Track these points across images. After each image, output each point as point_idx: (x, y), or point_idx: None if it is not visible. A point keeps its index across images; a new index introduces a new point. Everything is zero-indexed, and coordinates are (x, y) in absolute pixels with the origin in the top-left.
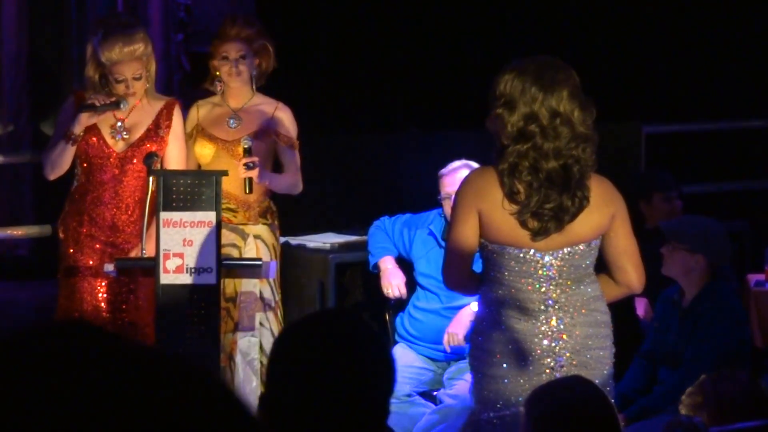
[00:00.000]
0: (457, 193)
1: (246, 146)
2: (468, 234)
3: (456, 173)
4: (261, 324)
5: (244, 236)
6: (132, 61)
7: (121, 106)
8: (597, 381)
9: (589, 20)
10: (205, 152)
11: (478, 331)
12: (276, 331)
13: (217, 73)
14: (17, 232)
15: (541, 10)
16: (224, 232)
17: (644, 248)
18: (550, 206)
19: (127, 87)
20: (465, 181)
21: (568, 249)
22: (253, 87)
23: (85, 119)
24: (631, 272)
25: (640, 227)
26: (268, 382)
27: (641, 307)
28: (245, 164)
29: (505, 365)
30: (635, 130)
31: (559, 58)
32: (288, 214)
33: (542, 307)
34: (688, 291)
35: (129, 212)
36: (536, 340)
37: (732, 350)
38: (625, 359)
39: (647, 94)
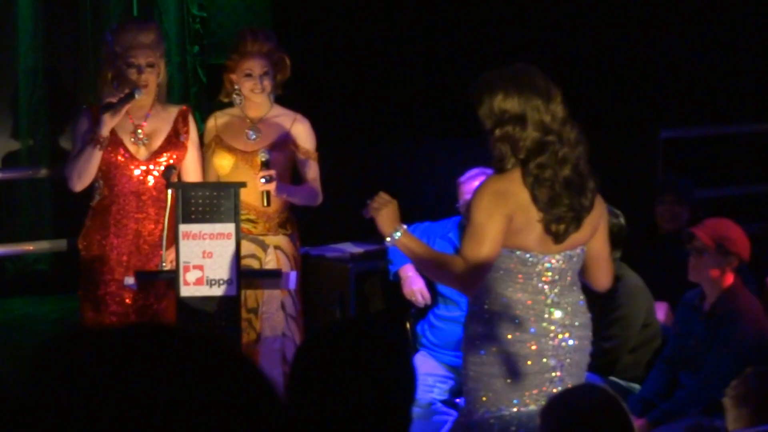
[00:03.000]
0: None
1: (263, 159)
2: (499, 240)
3: (474, 180)
4: (283, 334)
5: (264, 247)
6: (145, 47)
7: (136, 95)
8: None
9: (605, 25)
10: (224, 163)
11: (480, 333)
12: (298, 342)
13: (236, 86)
14: (37, 247)
15: (556, 16)
16: (244, 243)
17: (662, 253)
18: (571, 208)
19: (140, 72)
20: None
21: (569, 252)
22: (272, 99)
23: (108, 120)
24: (606, 275)
25: (653, 233)
26: (289, 392)
27: (662, 312)
28: (262, 177)
29: (510, 366)
30: (652, 135)
31: (575, 63)
32: (307, 224)
33: (546, 309)
34: (711, 295)
35: (154, 221)
36: (542, 341)
37: (753, 353)
38: (647, 364)
39: (664, 98)
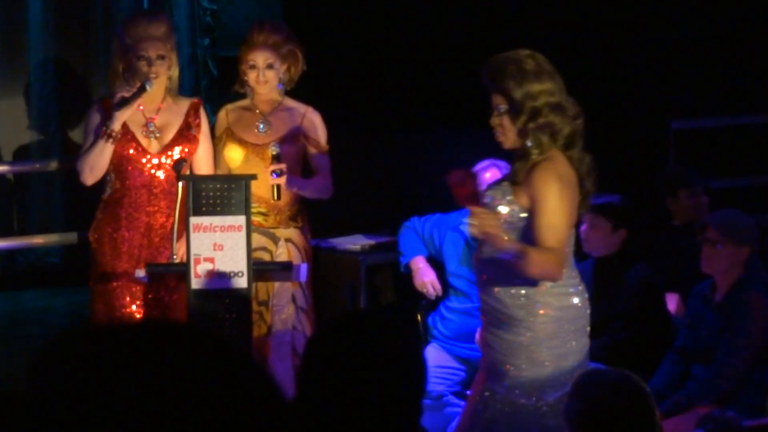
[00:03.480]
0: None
1: (274, 153)
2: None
3: (484, 172)
4: (294, 327)
5: (275, 240)
6: (155, 39)
7: (147, 87)
8: None
9: (616, 15)
10: (235, 156)
11: (555, 318)
12: (309, 334)
13: (246, 78)
14: (47, 240)
15: (565, 6)
16: (255, 235)
17: (673, 244)
18: (592, 187)
19: (150, 64)
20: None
21: None
22: (281, 91)
23: (121, 114)
24: None
25: (667, 224)
26: (299, 384)
27: (673, 303)
28: (273, 171)
29: (577, 345)
30: (663, 126)
31: (587, 53)
32: (317, 216)
33: (582, 283)
34: (723, 286)
35: (166, 215)
36: (588, 312)
37: (765, 344)
38: (657, 355)
39: (676, 89)
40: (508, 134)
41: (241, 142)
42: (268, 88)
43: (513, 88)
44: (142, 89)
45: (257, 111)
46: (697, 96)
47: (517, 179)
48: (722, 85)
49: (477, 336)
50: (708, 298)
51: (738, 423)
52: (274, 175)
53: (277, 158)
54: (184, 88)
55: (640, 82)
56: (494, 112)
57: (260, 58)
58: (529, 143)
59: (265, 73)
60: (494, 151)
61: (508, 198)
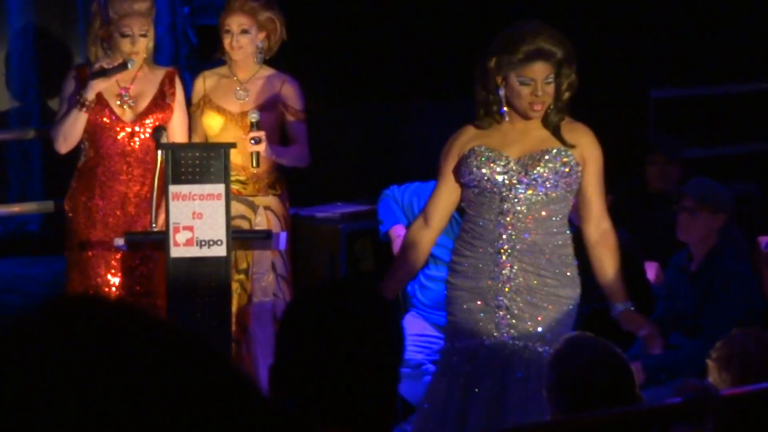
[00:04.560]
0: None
1: (253, 120)
2: None
3: None
4: (274, 295)
5: (254, 208)
6: (140, 16)
7: (129, 65)
8: None
9: None
10: (213, 124)
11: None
12: None
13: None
14: (24, 208)
15: None
16: (234, 204)
17: (650, 213)
18: None
19: (133, 43)
20: None
21: None
22: (257, 59)
23: (96, 84)
24: None
25: (644, 192)
26: (278, 350)
27: (652, 272)
28: (252, 139)
29: None
30: (642, 95)
31: (566, 22)
32: (297, 185)
33: None
34: (698, 254)
35: (140, 183)
36: None
37: (747, 313)
38: None
39: (654, 58)
40: (548, 102)
41: (219, 110)
42: (242, 54)
43: (572, 56)
44: (123, 66)
45: (235, 78)
46: (677, 65)
47: (565, 141)
48: (702, 54)
49: None
50: (684, 268)
51: (716, 392)
52: (253, 142)
53: (256, 126)
54: (163, 56)
55: (619, 50)
56: (539, 83)
57: (235, 23)
58: (552, 107)
59: (239, 39)
60: (471, 120)
61: (570, 154)
